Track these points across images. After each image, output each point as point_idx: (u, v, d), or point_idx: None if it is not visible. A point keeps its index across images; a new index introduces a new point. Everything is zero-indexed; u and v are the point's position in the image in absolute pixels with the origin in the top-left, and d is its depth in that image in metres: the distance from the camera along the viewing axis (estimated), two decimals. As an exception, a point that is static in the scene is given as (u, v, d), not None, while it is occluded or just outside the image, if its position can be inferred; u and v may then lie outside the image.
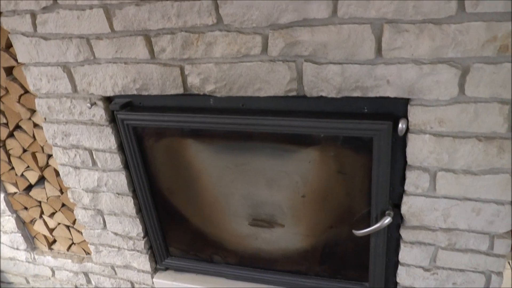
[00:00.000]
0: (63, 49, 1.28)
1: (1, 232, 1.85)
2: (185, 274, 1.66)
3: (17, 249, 1.88)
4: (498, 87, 0.99)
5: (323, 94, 1.11)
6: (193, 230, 1.54)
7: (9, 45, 1.41)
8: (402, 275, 1.35)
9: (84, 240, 1.76)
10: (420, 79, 1.03)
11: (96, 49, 1.24)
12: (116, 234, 1.62)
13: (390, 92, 1.07)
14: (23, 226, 1.83)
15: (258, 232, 1.46)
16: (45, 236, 1.83)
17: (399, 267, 1.34)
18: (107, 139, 1.40)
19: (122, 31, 1.18)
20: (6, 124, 1.57)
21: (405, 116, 1.10)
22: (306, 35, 1.05)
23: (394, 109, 1.10)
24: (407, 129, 1.11)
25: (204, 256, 1.59)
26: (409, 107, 1.08)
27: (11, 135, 1.59)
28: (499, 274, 1.25)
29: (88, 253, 1.81)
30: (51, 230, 1.79)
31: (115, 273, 1.76)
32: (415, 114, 1.08)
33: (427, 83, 1.03)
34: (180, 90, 1.23)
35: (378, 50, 1.02)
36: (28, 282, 2.00)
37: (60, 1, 1.19)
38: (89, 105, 1.34)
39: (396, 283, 1.39)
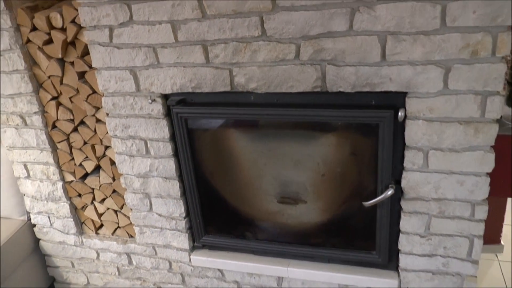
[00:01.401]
0: (132, 56, 1.61)
1: (55, 218, 2.13)
2: (219, 252, 1.94)
3: (67, 233, 2.15)
4: (472, 82, 1.33)
5: (341, 89, 1.45)
6: (229, 209, 1.84)
7: (83, 54, 1.74)
8: (402, 242, 1.65)
9: (129, 224, 2.04)
10: (414, 77, 1.37)
11: (161, 56, 1.58)
12: (160, 215, 1.91)
13: (392, 87, 1.40)
14: (75, 212, 2.11)
15: (284, 209, 1.76)
16: (93, 221, 2.11)
17: (400, 235, 1.64)
18: (161, 130, 1.72)
19: (184, 41, 1.53)
20: (72, 120, 1.89)
21: (403, 106, 1.42)
22: (329, 44, 1.39)
23: (395, 101, 1.43)
24: (405, 116, 1.44)
25: (237, 233, 1.88)
26: (406, 99, 1.41)
27: (75, 129, 1.90)
28: (480, 237, 1.56)
29: (131, 236, 2.08)
30: (99, 215, 2.07)
31: (155, 253, 2.04)
32: (411, 104, 1.41)
33: (420, 79, 1.37)
34: (228, 88, 1.56)
35: (383, 55, 1.37)
36: (73, 265, 2.26)
37: (135, 18, 1.54)
38: (150, 101, 1.67)
39: (398, 250, 1.69)
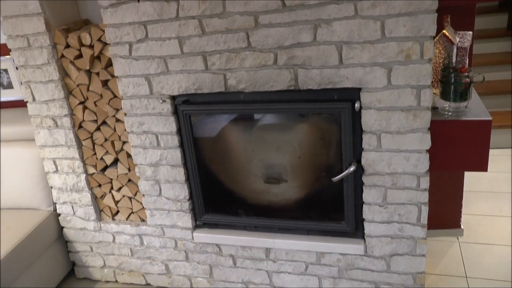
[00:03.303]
0: (147, 66, 2.04)
1: (78, 207, 2.51)
2: (216, 229, 2.32)
3: (88, 220, 2.53)
4: (409, 78, 1.75)
5: (310, 87, 1.87)
6: (225, 191, 2.23)
7: (107, 66, 2.16)
8: (366, 212, 2.03)
9: (141, 209, 2.42)
10: (365, 76, 1.79)
11: (170, 65, 2.00)
12: (168, 198, 2.30)
13: (349, 84, 1.82)
14: (95, 200, 2.49)
15: (269, 188, 2.16)
16: (110, 208, 2.49)
17: (364, 206, 2.03)
18: (170, 125, 2.13)
19: (188, 53, 1.95)
20: (96, 121, 2.30)
21: (359, 99, 1.84)
22: (299, 52, 1.82)
23: (352, 95, 1.85)
24: (361, 107, 1.85)
25: (231, 211, 2.27)
26: (361, 93, 1.83)
27: (98, 128, 2.31)
28: (425, 204, 1.94)
29: (143, 220, 2.46)
30: (116, 202, 2.45)
31: (163, 233, 2.41)
32: (364, 97, 1.83)
33: (369, 78, 1.79)
34: (222, 89, 1.98)
35: (340, 59, 1.79)
36: (92, 249, 2.62)
37: (150, 35, 1.97)
38: (161, 101, 2.08)
39: (363, 219, 2.07)
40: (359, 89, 1.83)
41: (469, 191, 2.86)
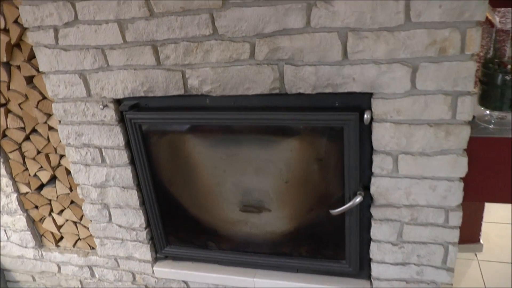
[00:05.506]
0: (80, 59, 1.50)
1: (12, 231, 2.01)
2: (183, 263, 1.84)
3: (26, 247, 2.04)
4: (441, 81, 1.23)
5: (301, 91, 1.35)
6: (190, 219, 1.73)
7: (30, 57, 1.62)
8: (374, 250, 1.56)
9: (90, 235, 1.93)
10: (379, 76, 1.27)
11: (110, 58, 1.46)
12: (120, 226, 1.80)
13: (356, 88, 1.30)
14: (33, 224, 1.99)
15: (248, 218, 1.66)
16: (52, 234, 1.99)
17: (371, 243, 1.55)
18: (116, 137, 1.60)
19: (133, 42, 1.41)
20: (23, 128, 1.76)
21: (369, 108, 1.33)
22: (286, 42, 1.29)
23: (360, 102, 1.33)
24: (372, 119, 1.34)
25: (199, 243, 1.78)
26: (372, 100, 1.31)
27: (27, 138, 1.78)
28: (455, 244, 1.47)
29: (93, 248, 1.97)
30: (59, 227, 1.95)
31: (118, 265, 1.93)
32: (377, 105, 1.31)
33: (385, 79, 1.27)
34: (181, 91, 1.45)
35: (344, 53, 1.26)
36: (34, 279, 2.14)
37: (80, 17, 1.42)
38: (101, 107, 1.55)
39: (369, 259, 1.59)
40: (370, 95, 1.31)
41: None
